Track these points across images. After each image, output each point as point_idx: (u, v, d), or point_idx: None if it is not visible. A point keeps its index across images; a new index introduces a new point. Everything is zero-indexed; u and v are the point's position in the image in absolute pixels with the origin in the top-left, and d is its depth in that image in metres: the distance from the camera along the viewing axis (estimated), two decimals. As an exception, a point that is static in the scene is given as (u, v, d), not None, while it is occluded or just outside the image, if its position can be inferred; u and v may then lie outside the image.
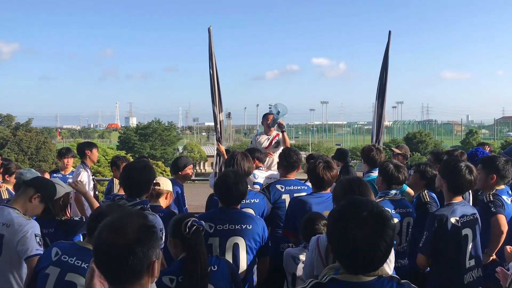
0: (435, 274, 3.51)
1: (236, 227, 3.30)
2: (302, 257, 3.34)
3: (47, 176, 5.24)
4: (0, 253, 3.13)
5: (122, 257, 1.65)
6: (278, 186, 4.42)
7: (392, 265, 2.95)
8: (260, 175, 5.19)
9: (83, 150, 6.39)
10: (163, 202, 4.02)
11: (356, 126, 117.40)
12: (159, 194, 3.97)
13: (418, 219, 3.93)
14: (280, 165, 4.68)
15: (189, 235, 2.67)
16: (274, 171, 5.69)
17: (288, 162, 4.52)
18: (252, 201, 4.02)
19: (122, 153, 36.66)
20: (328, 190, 4.00)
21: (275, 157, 6.37)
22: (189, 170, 5.37)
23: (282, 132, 6.73)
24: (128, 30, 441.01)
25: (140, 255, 1.66)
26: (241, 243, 3.29)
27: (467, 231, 3.46)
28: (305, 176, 4.92)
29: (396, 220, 3.65)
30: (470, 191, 4.55)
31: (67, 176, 6.61)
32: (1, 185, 5.66)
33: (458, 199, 3.57)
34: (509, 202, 3.94)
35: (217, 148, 6.62)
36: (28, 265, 3.04)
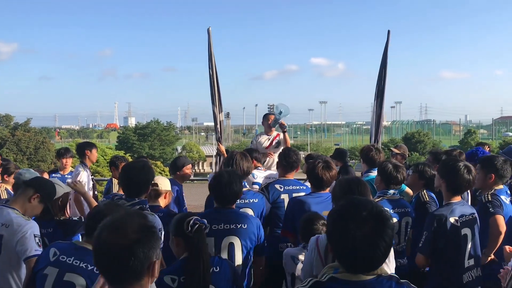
0: (434, 274, 3.52)
1: (231, 227, 3.30)
2: (301, 257, 3.34)
3: (46, 176, 5.24)
4: (-1, 253, 3.13)
5: (122, 258, 1.64)
6: (277, 186, 4.42)
7: (393, 265, 2.96)
8: (259, 175, 5.20)
9: (83, 150, 6.39)
10: (162, 201, 4.02)
11: (354, 126, 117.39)
12: (158, 194, 3.97)
13: (418, 218, 3.94)
14: (279, 164, 4.68)
15: (191, 233, 2.66)
16: (273, 171, 5.70)
17: (287, 162, 4.52)
18: (251, 200, 4.02)
19: (121, 153, 36.62)
20: (327, 190, 4.01)
21: (275, 157, 6.37)
22: (187, 170, 5.37)
23: (284, 132, 6.73)
24: (127, 30, 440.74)
25: (141, 256, 1.66)
26: (237, 242, 3.29)
27: (466, 230, 3.47)
28: (304, 176, 4.93)
29: (394, 220, 3.66)
30: (468, 191, 4.56)
31: (66, 176, 6.60)
32: (0, 185, 5.65)
33: (457, 199, 3.58)
34: (507, 202, 3.95)
35: (217, 148, 6.63)
36: (27, 266, 3.03)
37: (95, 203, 4.32)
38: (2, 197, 5.40)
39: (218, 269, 2.74)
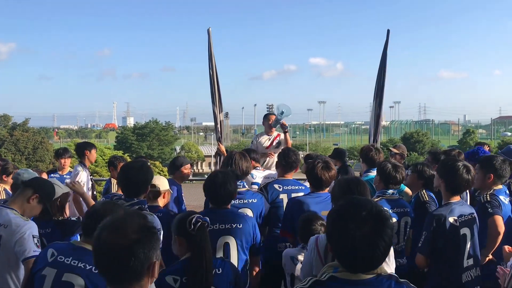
0: (433, 274, 3.52)
1: (226, 227, 3.29)
2: (301, 257, 3.34)
3: (44, 176, 5.22)
4: (-2, 254, 3.11)
5: (122, 258, 1.64)
6: (276, 186, 4.41)
7: (393, 265, 2.95)
8: (258, 175, 5.19)
9: (82, 150, 6.38)
10: (161, 201, 4.02)
11: (353, 126, 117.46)
12: (156, 194, 3.97)
13: (418, 218, 3.93)
14: (278, 164, 4.68)
15: (194, 231, 2.64)
16: (272, 170, 5.70)
17: (286, 161, 4.52)
18: (250, 201, 4.02)
19: (120, 153, 36.62)
20: (326, 190, 4.01)
21: (275, 157, 6.37)
22: (185, 169, 5.36)
23: (285, 132, 6.73)
24: (125, 30, 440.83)
25: (141, 256, 1.66)
26: (232, 242, 3.29)
27: (465, 230, 3.47)
28: (303, 176, 4.93)
29: (394, 220, 3.66)
30: (467, 191, 4.56)
31: (65, 176, 6.60)
32: (-1, 185, 5.63)
33: (456, 198, 3.58)
34: (506, 202, 3.95)
35: (217, 148, 6.62)
36: (25, 267, 3.01)
37: (93, 203, 4.31)
38: (0, 197, 5.39)
39: (220, 271, 2.71)
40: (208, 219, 2.75)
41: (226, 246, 3.28)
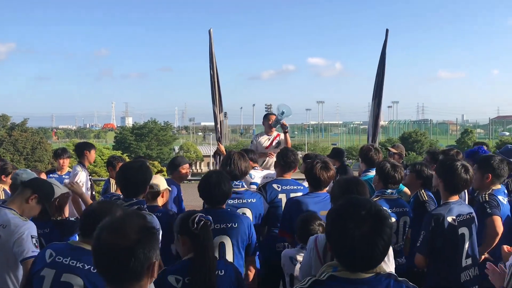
0: (432, 273, 3.52)
1: (222, 226, 3.29)
2: (300, 257, 3.34)
3: (43, 176, 5.21)
4: (-3, 255, 3.11)
5: (123, 259, 1.64)
6: (275, 186, 4.42)
7: (392, 265, 2.96)
8: (257, 175, 5.20)
9: (82, 151, 6.38)
10: (160, 201, 4.03)
11: (352, 125, 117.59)
12: (155, 195, 3.97)
13: (417, 218, 3.93)
14: (277, 164, 4.68)
15: (197, 230, 2.64)
16: (271, 170, 5.70)
17: (285, 161, 4.52)
18: (249, 200, 4.02)
19: (118, 153, 36.59)
20: (325, 190, 4.01)
21: (275, 157, 6.37)
22: (183, 169, 5.36)
23: (285, 133, 6.74)
24: (124, 30, 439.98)
25: (141, 257, 1.66)
26: (227, 242, 3.29)
27: (463, 230, 3.48)
28: (301, 176, 4.93)
29: (393, 220, 3.67)
30: (466, 191, 4.57)
31: (64, 176, 6.59)
32: (-2, 186, 5.62)
33: (455, 198, 3.59)
34: (505, 202, 3.95)
35: (217, 148, 6.62)
36: (23, 267, 3.01)
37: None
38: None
39: (223, 272, 2.70)
40: (210, 217, 2.74)
41: (222, 246, 3.28)
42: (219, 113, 6.47)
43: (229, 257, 3.26)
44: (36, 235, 3.14)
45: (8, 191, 5.37)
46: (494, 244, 3.74)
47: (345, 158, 7.25)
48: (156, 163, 36.10)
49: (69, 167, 7.04)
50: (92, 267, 2.43)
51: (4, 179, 5.52)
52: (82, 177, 6.06)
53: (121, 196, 3.52)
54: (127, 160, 8.44)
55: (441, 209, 3.54)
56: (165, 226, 3.38)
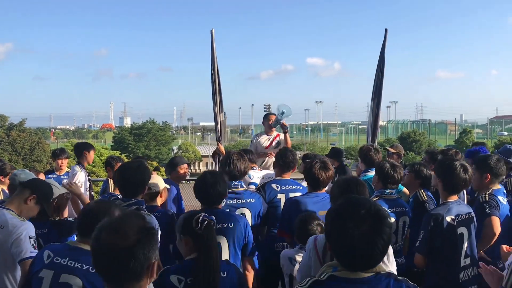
0: (431, 273, 3.52)
1: (218, 226, 3.26)
2: (299, 258, 3.34)
3: (42, 176, 5.20)
4: (-5, 255, 3.10)
5: (123, 259, 1.64)
6: (274, 186, 4.41)
7: (393, 265, 2.95)
8: (255, 175, 5.19)
9: (81, 151, 6.37)
10: (159, 200, 4.02)
11: (350, 125, 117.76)
12: (154, 196, 3.96)
13: (416, 218, 3.93)
14: (276, 164, 4.68)
15: (201, 230, 2.61)
16: (270, 170, 5.69)
17: (284, 161, 4.51)
18: (248, 200, 4.01)
19: (117, 153, 36.55)
20: (323, 190, 4.01)
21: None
22: (181, 170, 5.35)
23: (285, 133, 6.73)
24: (122, 30, 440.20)
25: (141, 258, 1.66)
26: (223, 242, 3.28)
27: (462, 230, 3.48)
28: (300, 176, 4.92)
29: (392, 220, 3.66)
30: (464, 191, 4.57)
31: (62, 176, 6.57)
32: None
33: (454, 198, 3.59)
34: (504, 202, 3.95)
35: (216, 148, 6.61)
36: (21, 268, 3.00)
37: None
38: (-2, 198, 5.37)
39: (225, 274, 2.67)
40: (214, 218, 2.72)
41: (218, 246, 3.27)
42: (220, 113, 6.46)
43: (226, 257, 3.25)
44: (34, 235, 3.13)
45: (7, 191, 5.36)
46: (490, 244, 3.75)
47: (344, 158, 7.24)
48: (154, 163, 36.08)
49: (68, 167, 7.02)
50: (90, 267, 2.42)
51: (3, 180, 5.51)
52: (81, 178, 6.06)
53: (120, 196, 3.51)
54: (126, 160, 8.42)
55: (440, 209, 3.54)
56: (164, 226, 3.37)
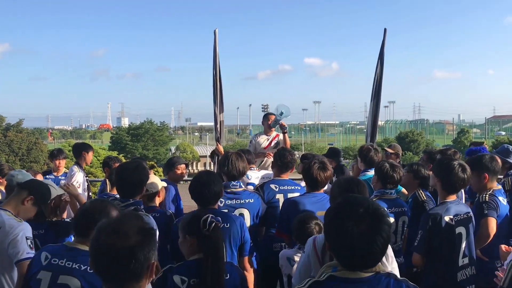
0: (429, 272, 3.52)
1: None
2: (297, 258, 3.34)
3: (40, 177, 5.19)
4: (-9, 256, 3.08)
5: (123, 260, 1.64)
6: (272, 186, 4.41)
7: (395, 264, 2.94)
8: (254, 176, 5.19)
9: (80, 151, 6.36)
10: (158, 200, 4.02)
11: (348, 125, 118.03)
12: (152, 196, 3.95)
13: (415, 218, 3.93)
14: (274, 164, 4.68)
15: (208, 231, 2.58)
16: (268, 170, 5.69)
17: (282, 162, 4.51)
18: (247, 201, 4.00)
19: (114, 153, 36.45)
20: (322, 191, 4.00)
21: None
22: (178, 170, 5.35)
23: (284, 133, 6.73)
24: (120, 30, 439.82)
25: (141, 258, 1.66)
26: None
27: (460, 229, 3.48)
28: (298, 176, 4.92)
29: (392, 220, 3.66)
30: (463, 190, 4.57)
31: (60, 177, 6.57)
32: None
33: (452, 197, 3.58)
34: (504, 203, 3.95)
35: (215, 148, 6.60)
36: (18, 269, 2.98)
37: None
38: (-5, 199, 5.35)
39: (228, 276, 2.63)
40: (220, 219, 2.70)
41: None
42: (220, 114, 6.45)
43: None
44: (31, 236, 3.12)
45: (4, 192, 5.34)
46: (484, 245, 3.75)
47: (342, 158, 7.24)
48: (151, 163, 36.00)
49: (65, 168, 7.01)
50: (88, 268, 2.41)
51: (0, 180, 5.49)
52: (79, 178, 6.05)
53: (117, 196, 3.50)
54: (124, 160, 8.40)
55: (438, 208, 3.54)
56: (162, 227, 3.37)
